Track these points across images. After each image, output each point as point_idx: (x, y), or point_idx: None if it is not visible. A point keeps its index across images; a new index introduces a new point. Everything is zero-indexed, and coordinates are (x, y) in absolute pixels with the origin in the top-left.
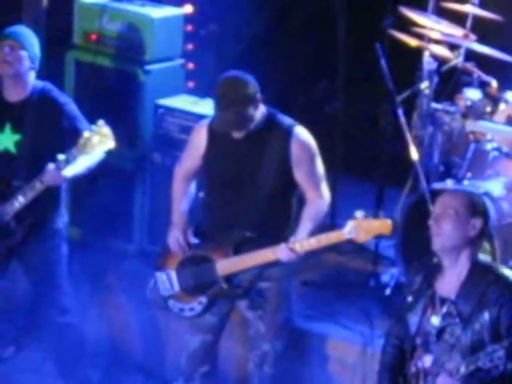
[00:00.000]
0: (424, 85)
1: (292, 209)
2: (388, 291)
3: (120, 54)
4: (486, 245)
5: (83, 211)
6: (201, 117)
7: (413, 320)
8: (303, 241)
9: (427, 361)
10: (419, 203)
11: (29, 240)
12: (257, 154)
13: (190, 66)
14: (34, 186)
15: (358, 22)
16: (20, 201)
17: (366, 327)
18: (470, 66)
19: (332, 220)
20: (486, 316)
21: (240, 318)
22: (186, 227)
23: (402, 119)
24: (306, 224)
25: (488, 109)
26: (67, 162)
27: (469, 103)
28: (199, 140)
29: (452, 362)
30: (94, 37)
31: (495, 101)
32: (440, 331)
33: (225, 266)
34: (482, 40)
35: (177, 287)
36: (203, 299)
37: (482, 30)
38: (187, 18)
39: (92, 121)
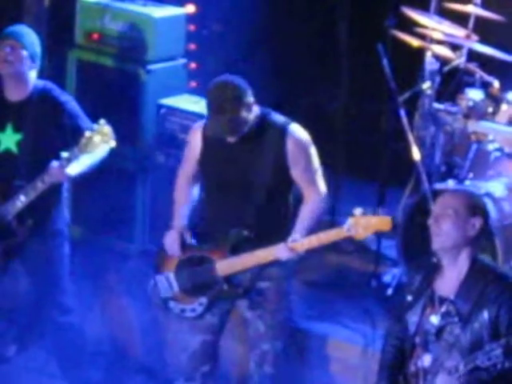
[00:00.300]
0: (426, 85)
1: (290, 207)
2: (390, 291)
3: (122, 54)
4: (487, 245)
5: (85, 211)
6: (203, 117)
7: (412, 319)
8: (302, 239)
9: (426, 360)
10: (421, 203)
11: (31, 239)
12: (252, 155)
13: (193, 65)
14: (35, 185)
15: (360, 23)
16: (22, 200)
17: (367, 327)
18: (472, 66)
19: (334, 219)
20: (485, 315)
21: (240, 318)
22: (184, 230)
23: (404, 119)
24: (304, 221)
25: (490, 109)
26: (69, 160)
27: (471, 103)
28: (195, 142)
29: (451, 361)
30: (95, 36)
31: (497, 101)
32: (439, 330)
33: (224, 266)
34: (484, 40)
35: (176, 289)
36: (204, 300)
37: (484, 30)
38: (189, 18)
39: (94, 120)
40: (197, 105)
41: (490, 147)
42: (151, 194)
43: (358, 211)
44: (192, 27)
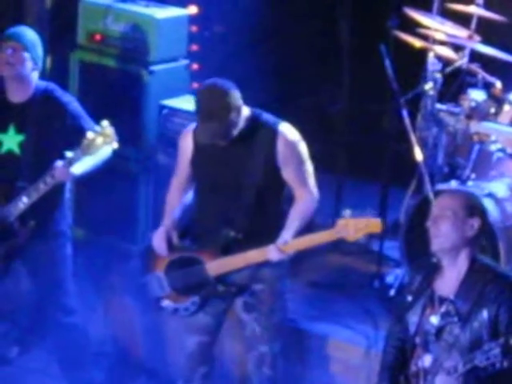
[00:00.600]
0: (428, 86)
1: (281, 207)
2: (392, 292)
3: (124, 55)
4: (489, 245)
5: (87, 211)
6: None
7: (412, 319)
8: (292, 240)
9: (427, 360)
10: (423, 204)
11: (33, 240)
12: (243, 157)
13: (195, 66)
14: (38, 187)
15: (362, 23)
16: (24, 202)
17: (369, 328)
18: (474, 67)
19: (336, 221)
20: (485, 314)
21: (237, 319)
22: (171, 230)
23: (407, 120)
24: (293, 222)
25: (492, 110)
26: (73, 160)
27: (473, 104)
28: (186, 146)
29: (450, 361)
30: (98, 37)
31: (499, 102)
32: (439, 330)
33: (214, 266)
34: (486, 41)
35: (168, 289)
36: (196, 299)
37: (486, 31)
38: (192, 19)
39: (96, 121)
40: None
41: (493, 148)
42: (153, 195)
43: (346, 213)
44: (194, 28)
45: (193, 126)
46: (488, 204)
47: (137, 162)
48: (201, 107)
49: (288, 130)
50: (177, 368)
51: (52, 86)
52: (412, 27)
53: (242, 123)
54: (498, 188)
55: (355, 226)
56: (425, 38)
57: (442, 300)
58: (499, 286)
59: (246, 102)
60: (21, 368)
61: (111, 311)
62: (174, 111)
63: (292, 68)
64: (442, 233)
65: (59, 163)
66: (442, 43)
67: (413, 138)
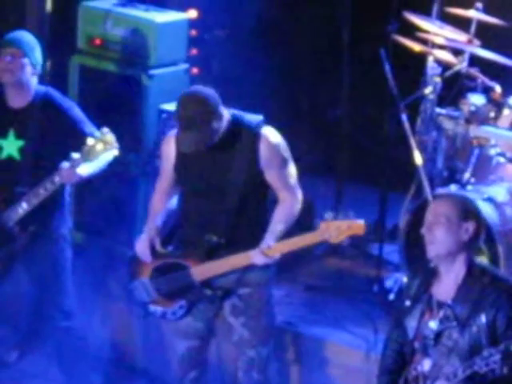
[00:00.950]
0: (428, 90)
1: (265, 211)
2: (392, 296)
3: (124, 59)
4: (489, 250)
5: (87, 215)
6: None
7: (411, 324)
8: (276, 244)
9: (426, 365)
10: (423, 208)
11: (33, 244)
12: (225, 161)
13: (194, 70)
14: (37, 192)
15: (362, 27)
16: (24, 207)
17: (369, 332)
18: (473, 71)
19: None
20: (483, 319)
21: (226, 323)
22: (154, 236)
23: (406, 124)
24: (277, 225)
25: (492, 114)
26: (77, 163)
27: (473, 108)
28: (169, 151)
29: (450, 366)
30: (98, 41)
31: (499, 106)
32: (438, 335)
33: (199, 271)
34: (485, 45)
35: (154, 294)
36: (183, 303)
37: (485, 35)
38: (191, 23)
39: (95, 125)
40: None
41: (492, 152)
42: None
43: (328, 215)
44: (194, 32)
45: (175, 131)
46: (487, 208)
47: (136, 165)
48: (181, 116)
49: (270, 133)
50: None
51: (52, 90)
52: (411, 31)
53: (223, 128)
54: (498, 192)
55: (338, 228)
56: (424, 42)
57: (441, 305)
58: (497, 291)
59: (246, 105)
60: (20, 372)
61: (110, 315)
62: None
63: (292, 72)
64: (437, 239)
65: (65, 164)
66: (442, 47)
67: (412, 142)
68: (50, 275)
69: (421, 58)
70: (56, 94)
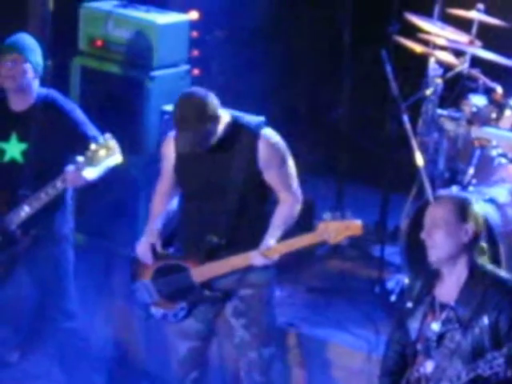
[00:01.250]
0: (429, 91)
1: (265, 212)
2: (393, 297)
3: (125, 60)
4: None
5: (88, 217)
6: None
7: (413, 326)
8: (275, 245)
9: (429, 366)
10: (424, 209)
11: (35, 246)
12: (225, 162)
13: (196, 72)
14: (39, 196)
15: (363, 28)
16: (26, 211)
17: (371, 333)
18: (475, 72)
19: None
20: (485, 320)
21: (228, 325)
22: (155, 238)
23: (408, 125)
24: (276, 226)
25: (493, 115)
26: (83, 166)
27: (474, 109)
28: (169, 152)
29: (453, 369)
30: (99, 43)
31: (500, 107)
32: (440, 337)
33: (199, 272)
34: (487, 46)
35: (156, 296)
36: (184, 305)
37: (487, 36)
38: (193, 24)
39: (97, 127)
40: None
41: (494, 153)
42: None
43: (327, 216)
44: (195, 33)
45: (173, 133)
46: (489, 209)
47: (137, 167)
48: (177, 116)
49: (269, 134)
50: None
51: (53, 93)
52: (413, 32)
53: (222, 129)
54: (499, 193)
55: (336, 229)
56: (425, 43)
57: (443, 306)
58: (500, 292)
59: (247, 106)
60: (21, 373)
61: (112, 316)
62: None
63: (293, 73)
64: (437, 244)
65: (70, 168)
66: (443, 48)
67: (414, 143)
68: (52, 276)
69: (422, 59)
70: (58, 96)
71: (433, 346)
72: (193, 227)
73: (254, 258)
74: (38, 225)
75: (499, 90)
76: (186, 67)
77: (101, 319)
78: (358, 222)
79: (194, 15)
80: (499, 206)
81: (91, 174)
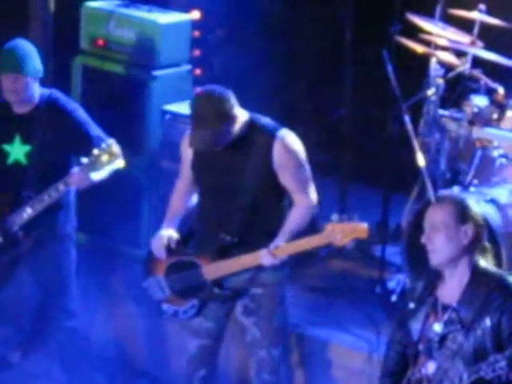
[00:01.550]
0: (431, 91)
1: (280, 212)
2: (394, 298)
3: (127, 60)
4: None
5: (91, 216)
6: None
7: (415, 327)
8: (284, 245)
9: (430, 367)
10: (426, 210)
11: (38, 246)
12: (240, 162)
13: (197, 71)
14: (42, 198)
15: (364, 28)
16: (28, 212)
17: (372, 333)
18: (476, 72)
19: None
20: (488, 322)
21: (238, 324)
22: (170, 235)
23: (409, 126)
24: (289, 227)
25: (495, 115)
26: (88, 167)
27: (476, 110)
28: (186, 150)
29: (455, 370)
30: (101, 42)
31: (502, 107)
32: (442, 338)
33: (210, 270)
34: (488, 47)
35: (168, 291)
36: (195, 302)
37: (489, 36)
38: (194, 24)
39: (99, 126)
40: None
41: (495, 153)
42: (156, 200)
43: (334, 217)
44: (197, 33)
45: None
46: (490, 210)
47: (139, 166)
48: (194, 113)
49: (287, 136)
50: (178, 372)
51: (56, 93)
52: (414, 33)
53: (239, 128)
54: (501, 194)
55: (342, 231)
56: (427, 43)
57: (445, 308)
58: (502, 294)
59: (249, 106)
60: (23, 373)
61: (113, 315)
62: (177, 116)
63: (295, 73)
64: (438, 247)
65: (75, 169)
66: (445, 49)
67: (415, 144)
68: (54, 275)
69: (424, 60)
70: (60, 96)
71: (435, 347)
72: (207, 224)
73: (263, 256)
74: (40, 226)
75: (501, 90)
76: (187, 67)
77: (102, 318)
78: (365, 225)
79: (195, 15)
80: (500, 207)
81: (96, 176)
